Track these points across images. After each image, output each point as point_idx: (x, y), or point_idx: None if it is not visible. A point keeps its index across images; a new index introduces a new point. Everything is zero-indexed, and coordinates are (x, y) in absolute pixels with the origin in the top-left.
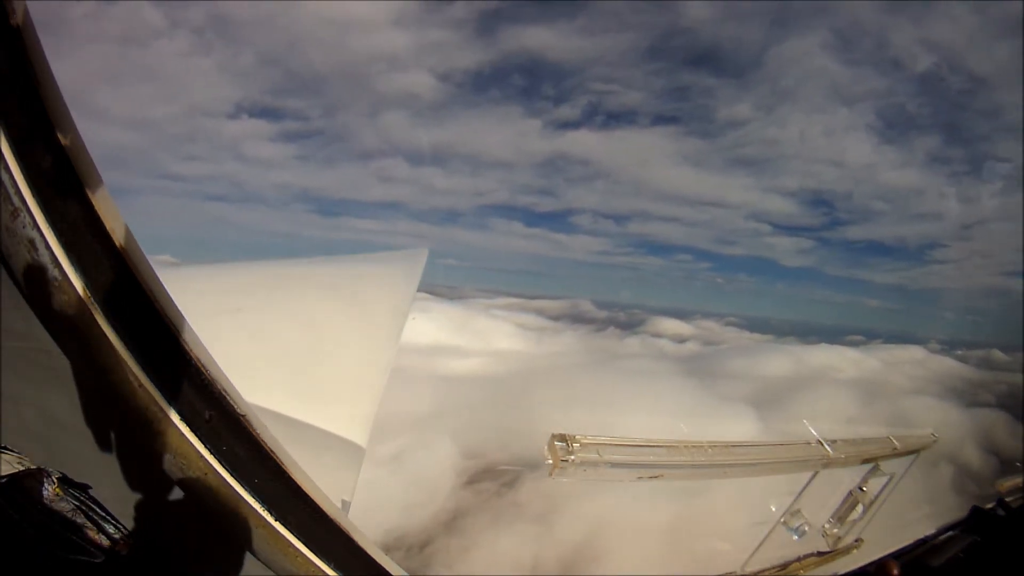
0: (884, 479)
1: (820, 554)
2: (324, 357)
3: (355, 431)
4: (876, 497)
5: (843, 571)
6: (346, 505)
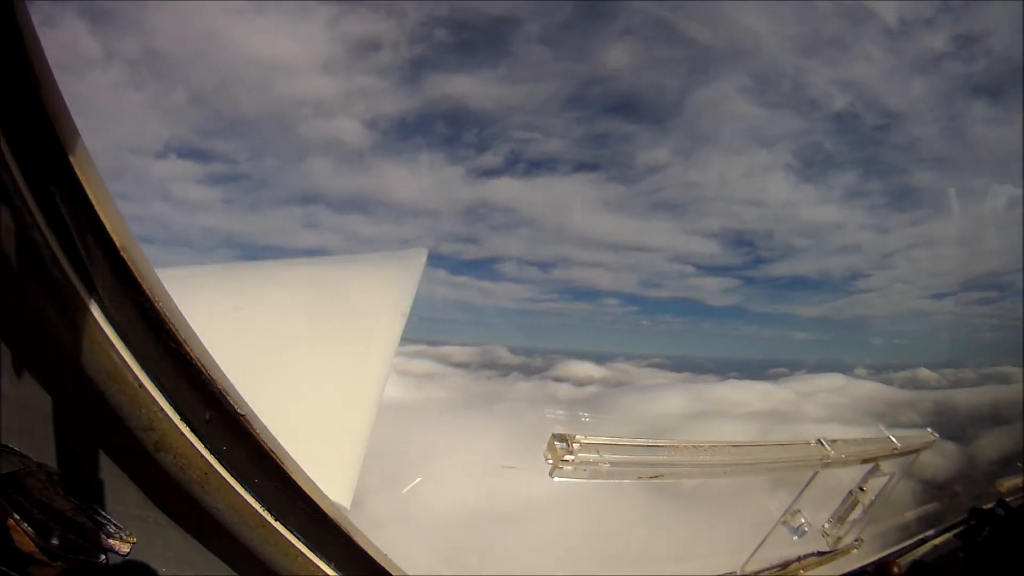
0: (884, 479)
1: (820, 554)
2: (310, 391)
3: (340, 489)
4: (876, 497)
5: (843, 571)
6: None
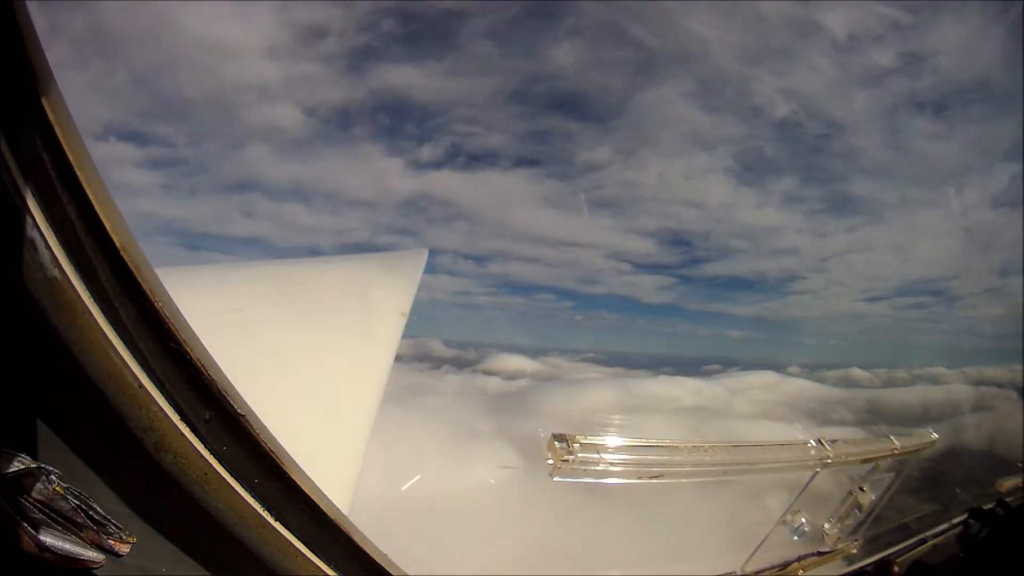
0: (884, 479)
1: (820, 554)
2: (310, 391)
3: (340, 489)
4: (876, 497)
5: (843, 571)
6: None
